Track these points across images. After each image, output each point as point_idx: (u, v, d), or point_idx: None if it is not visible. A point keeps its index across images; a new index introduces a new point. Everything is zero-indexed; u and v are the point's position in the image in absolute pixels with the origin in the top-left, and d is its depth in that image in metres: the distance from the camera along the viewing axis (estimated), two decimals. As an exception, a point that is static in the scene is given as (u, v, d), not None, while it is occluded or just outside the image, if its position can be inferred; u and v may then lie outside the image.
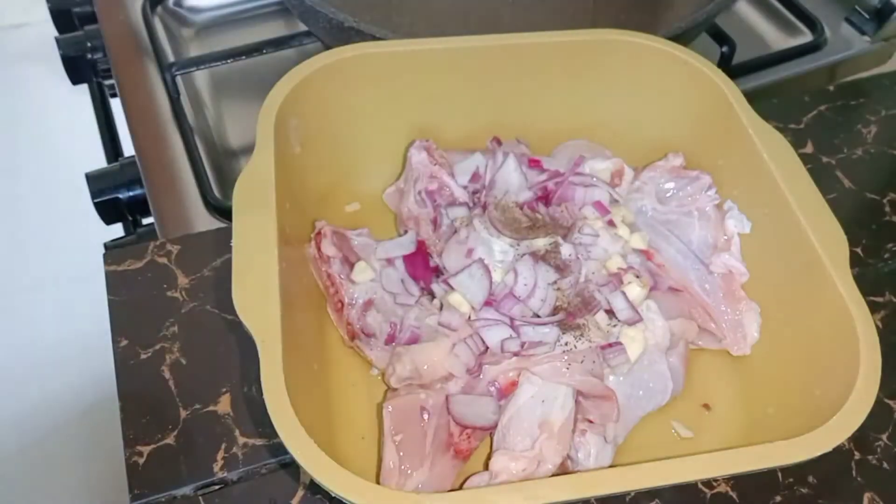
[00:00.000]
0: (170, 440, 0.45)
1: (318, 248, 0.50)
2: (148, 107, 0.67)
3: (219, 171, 0.63)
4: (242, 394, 0.47)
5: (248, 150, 0.64)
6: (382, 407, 0.44)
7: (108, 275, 0.53)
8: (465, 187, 0.54)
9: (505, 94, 0.56)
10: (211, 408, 0.47)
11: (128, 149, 0.68)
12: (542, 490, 0.35)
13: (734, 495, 0.46)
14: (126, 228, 0.68)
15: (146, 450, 0.45)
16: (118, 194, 0.63)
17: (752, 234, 0.52)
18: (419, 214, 0.53)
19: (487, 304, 0.46)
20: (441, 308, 0.47)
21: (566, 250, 0.49)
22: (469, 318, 0.46)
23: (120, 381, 0.48)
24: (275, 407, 0.36)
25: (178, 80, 0.67)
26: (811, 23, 0.76)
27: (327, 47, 0.61)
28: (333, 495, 0.34)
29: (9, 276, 1.47)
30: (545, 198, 0.53)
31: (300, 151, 0.51)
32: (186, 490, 0.44)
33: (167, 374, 0.48)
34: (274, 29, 0.77)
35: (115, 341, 0.49)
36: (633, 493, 0.45)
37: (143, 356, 0.49)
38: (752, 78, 0.71)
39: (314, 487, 0.45)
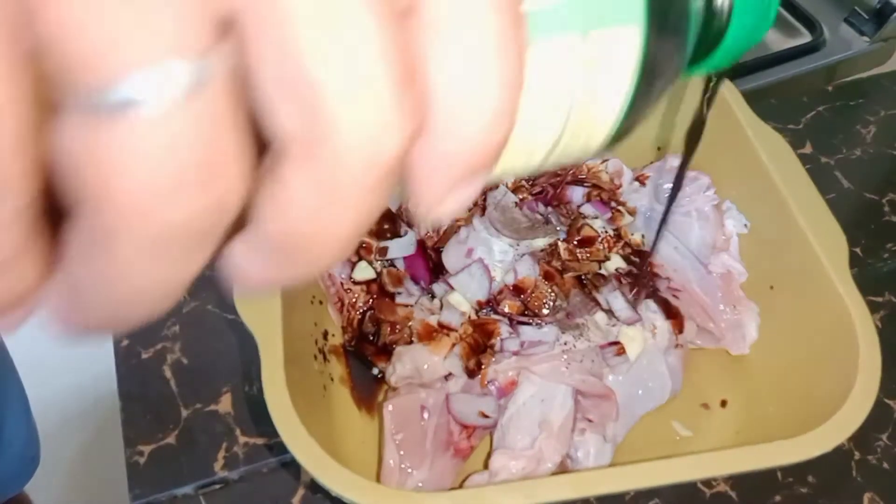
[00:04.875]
0: (171, 439, 0.46)
1: (319, 248, 0.50)
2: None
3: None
4: (243, 393, 0.48)
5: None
6: (383, 406, 0.44)
7: (108, 274, 0.52)
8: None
9: (505, 95, 0.56)
10: (212, 407, 0.47)
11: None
12: (542, 489, 0.35)
13: (733, 495, 0.46)
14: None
15: (147, 449, 0.45)
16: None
17: (750, 235, 0.52)
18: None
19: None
20: (441, 308, 0.48)
21: (566, 250, 0.49)
22: (469, 317, 0.46)
23: (121, 380, 0.48)
24: (275, 406, 0.36)
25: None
26: (810, 23, 0.76)
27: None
28: (334, 494, 0.34)
29: (9, 276, 1.47)
30: (545, 198, 0.53)
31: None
32: (187, 489, 0.44)
33: (168, 374, 0.48)
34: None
35: (115, 341, 0.49)
36: (632, 493, 0.45)
37: (144, 355, 0.49)
38: (750, 78, 0.71)
39: (315, 486, 0.45)
